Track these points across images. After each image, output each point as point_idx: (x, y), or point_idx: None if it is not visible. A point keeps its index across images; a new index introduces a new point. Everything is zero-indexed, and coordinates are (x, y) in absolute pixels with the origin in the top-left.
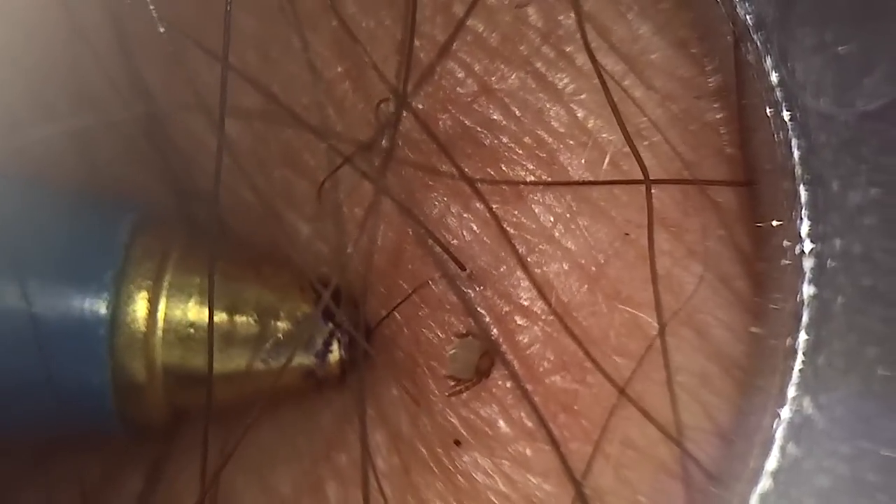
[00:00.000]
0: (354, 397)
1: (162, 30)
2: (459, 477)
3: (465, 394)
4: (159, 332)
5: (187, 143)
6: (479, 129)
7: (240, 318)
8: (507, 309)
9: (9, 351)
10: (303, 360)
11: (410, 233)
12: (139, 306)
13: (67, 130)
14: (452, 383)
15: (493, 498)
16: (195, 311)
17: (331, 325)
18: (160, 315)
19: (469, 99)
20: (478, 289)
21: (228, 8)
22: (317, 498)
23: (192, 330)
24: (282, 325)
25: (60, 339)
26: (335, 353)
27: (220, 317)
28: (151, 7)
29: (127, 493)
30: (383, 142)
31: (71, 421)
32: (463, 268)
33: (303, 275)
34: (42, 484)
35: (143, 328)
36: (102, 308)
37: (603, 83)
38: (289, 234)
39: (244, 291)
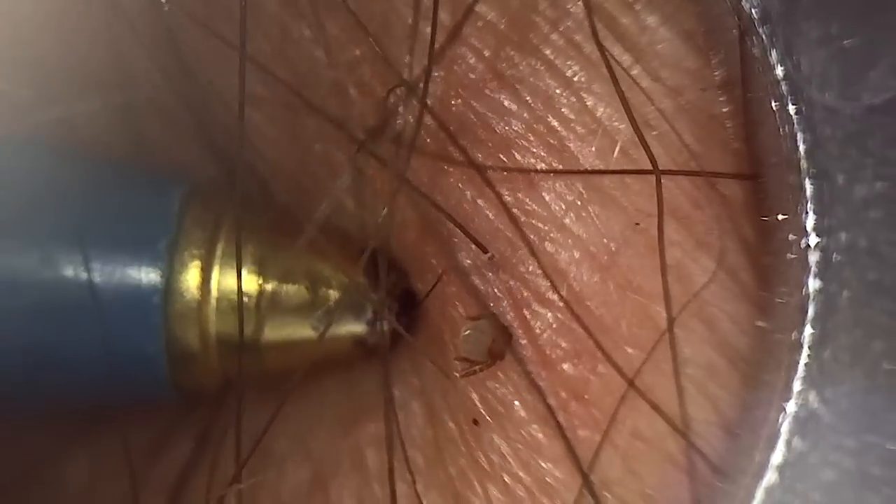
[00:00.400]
0: (396, 368)
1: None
2: (482, 456)
3: (480, 374)
4: (212, 301)
5: (230, 119)
6: (490, 114)
7: (290, 287)
8: (524, 294)
9: (66, 318)
10: (354, 328)
11: (433, 219)
12: (192, 275)
13: (110, 103)
14: (467, 364)
15: (506, 479)
16: (248, 280)
17: (381, 293)
18: (213, 284)
19: (481, 84)
20: (497, 273)
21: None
22: (356, 464)
23: (245, 299)
24: (332, 293)
25: (116, 307)
26: (386, 322)
27: (272, 285)
28: None
29: (174, 457)
30: (398, 128)
31: (124, 388)
32: (485, 250)
33: (352, 244)
34: (91, 450)
35: (196, 297)
36: (157, 277)
37: (611, 72)
38: (332, 204)
39: (293, 261)
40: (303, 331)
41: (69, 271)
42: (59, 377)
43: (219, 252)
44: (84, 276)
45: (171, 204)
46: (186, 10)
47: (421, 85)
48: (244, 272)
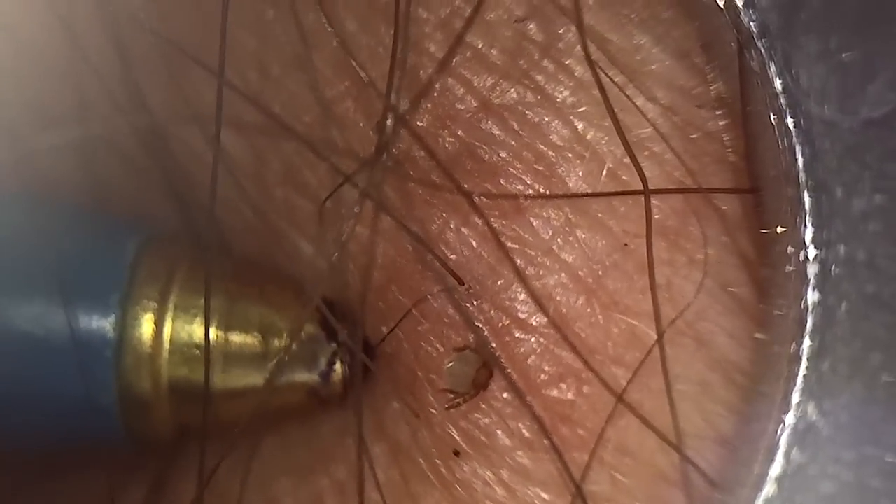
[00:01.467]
0: (355, 412)
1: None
2: (458, 487)
3: (463, 406)
4: (165, 353)
5: (189, 161)
6: (478, 144)
7: (242, 338)
8: (504, 322)
9: (14, 368)
10: (306, 378)
11: (410, 248)
12: (145, 328)
13: (68, 143)
14: (451, 396)
15: None
16: (201, 332)
17: (334, 344)
18: (166, 336)
19: (468, 115)
20: (475, 303)
21: (225, 15)
22: None
23: (197, 351)
24: (284, 343)
25: (66, 358)
26: (338, 372)
27: (223, 335)
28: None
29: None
30: (383, 159)
31: (77, 436)
32: (461, 282)
33: (305, 294)
34: (49, 498)
35: (148, 349)
36: (109, 330)
37: (603, 93)
38: (290, 252)
39: (247, 310)
40: (255, 380)
41: (21, 319)
42: (11, 422)
43: (172, 303)
44: (35, 324)
45: (125, 255)
46: (168, 39)
47: (400, 114)
48: (196, 322)
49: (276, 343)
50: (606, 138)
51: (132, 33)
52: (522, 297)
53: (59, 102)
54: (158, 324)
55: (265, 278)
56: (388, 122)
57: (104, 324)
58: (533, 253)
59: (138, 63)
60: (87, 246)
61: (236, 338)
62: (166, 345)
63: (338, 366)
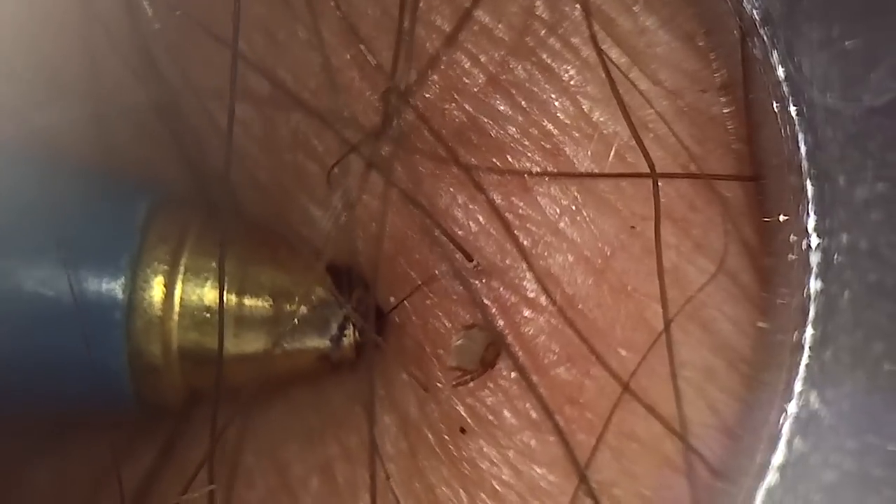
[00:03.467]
0: (365, 379)
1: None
2: (465, 464)
3: (471, 384)
4: (175, 317)
5: (201, 126)
6: (485, 119)
7: (254, 301)
8: (513, 300)
9: (27, 331)
10: (317, 343)
11: (417, 221)
12: (156, 291)
13: (80, 107)
14: (458, 373)
15: (496, 486)
16: (211, 295)
17: (345, 309)
18: (176, 299)
19: (475, 89)
20: (483, 280)
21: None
22: (326, 477)
23: (207, 314)
24: (296, 308)
25: (76, 321)
26: (349, 337)
27: (235, 300)
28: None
29: (140, 468)
30: (389, 130)
31: (88, 400)
32: (470, 258)
33: (317, 258)
34: (57, 460)
35: (159, 312)
36: (119, 292)
37: (608, 74)
38: (301, 216)
39: (259, 275)
40: (266, 345)
41: (30, 281)
42: (21, 386)
43: (182, 266)
44: (45, 286)
45: (136, 217)
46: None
47: (405, 86)
48: (207, 285)
49: (288, 307)
50: (612, 119)
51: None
52: (531, 275)
53: (71, 66)
54: (169, 287)
55: (277, 242)
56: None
57: (114, 286)
58: (539, 232)
59: (150, 29)
60: (97, 208)
61: (248, 302)
62: (177, 308)
63: (349, 330)
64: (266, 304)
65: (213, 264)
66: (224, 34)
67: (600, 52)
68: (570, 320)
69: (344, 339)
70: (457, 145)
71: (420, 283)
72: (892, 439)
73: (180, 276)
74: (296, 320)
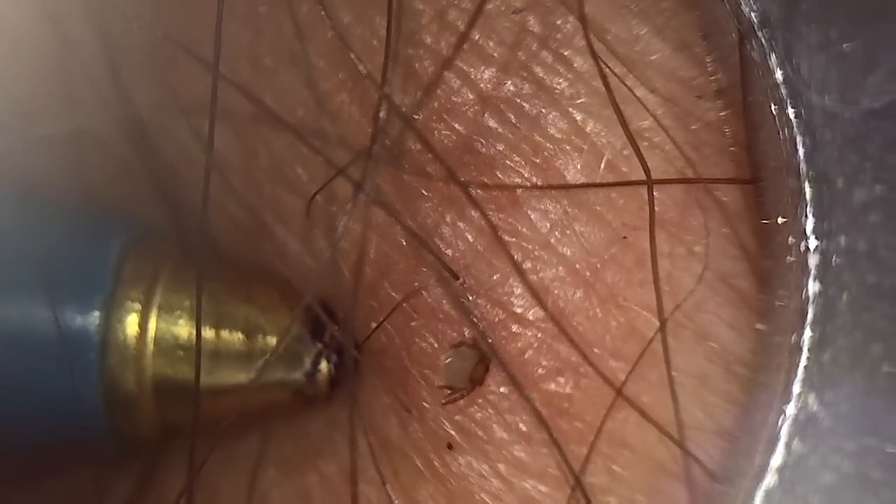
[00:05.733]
0: (343, 406)
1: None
2: (451, 480)
3: (461, 402)
4: (149, 354)
5: (177, 158)
6: (475, 137)
7: (228, 336)
8: (500, 317)
9: (1, 367)
10: (291, 378)
11: (403, 243)
12: (129, 329)
13: (55, 139)
14: (448, 392)
15: (486, 499)
16: (185, 332)
17: (319, 343)
18: (150, 337)
19: (465, 108)
20: (471, 297)
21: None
22: None
23: (181, 352)
24: (270, 342)
25: (51, 357)
26: (323, 372)
27: (209, 334)
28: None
29: (119, 499)
30: (375, 150)
31: (62, 435)
32: (456, 276)
33: (292, 292)
34: (34, 494)
35: (133, 350)
36: (93, 331)
37: (605, 82)
38: (278, 250)
39: (232, 310)
40: (240, 380)
41: (5, 317)
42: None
43: (156, 304)
44: (20, 323)
45: (110, 256)
46: (162, 31)
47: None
48: (181, 322)
49: (262, 342)
50: (605, 130)
51: (120, 27)
52: (519, 291)
53: (45, 98)
54: (143, 325)
55: (252, 278)
56: (382, 114)
57: (88, 324)
58: (530, 246)
59: (126, 58)
60: (72, 246)
61: (222, 337)
62: (150, 345)
63: (323, 365)
64: (240, 340)
65: (187, 301)
66: (206, 59)
67: (596, 58)
68: (563, 330)
69: (318, 374)
70: (448, 163)
71: (399, 301)
72: (890, 441)
73: (154, 314)
74: (269, 356)
